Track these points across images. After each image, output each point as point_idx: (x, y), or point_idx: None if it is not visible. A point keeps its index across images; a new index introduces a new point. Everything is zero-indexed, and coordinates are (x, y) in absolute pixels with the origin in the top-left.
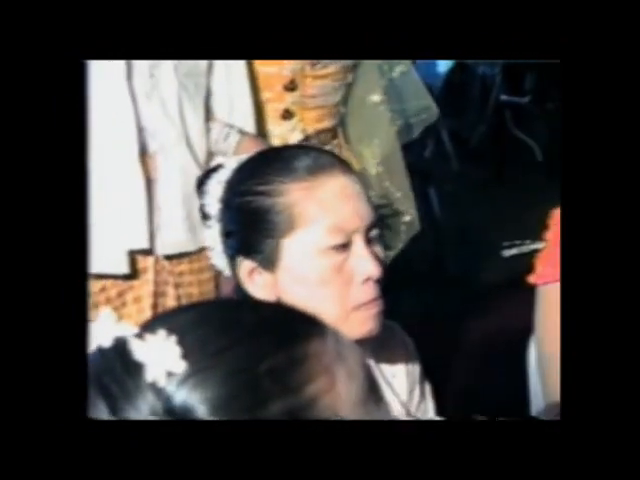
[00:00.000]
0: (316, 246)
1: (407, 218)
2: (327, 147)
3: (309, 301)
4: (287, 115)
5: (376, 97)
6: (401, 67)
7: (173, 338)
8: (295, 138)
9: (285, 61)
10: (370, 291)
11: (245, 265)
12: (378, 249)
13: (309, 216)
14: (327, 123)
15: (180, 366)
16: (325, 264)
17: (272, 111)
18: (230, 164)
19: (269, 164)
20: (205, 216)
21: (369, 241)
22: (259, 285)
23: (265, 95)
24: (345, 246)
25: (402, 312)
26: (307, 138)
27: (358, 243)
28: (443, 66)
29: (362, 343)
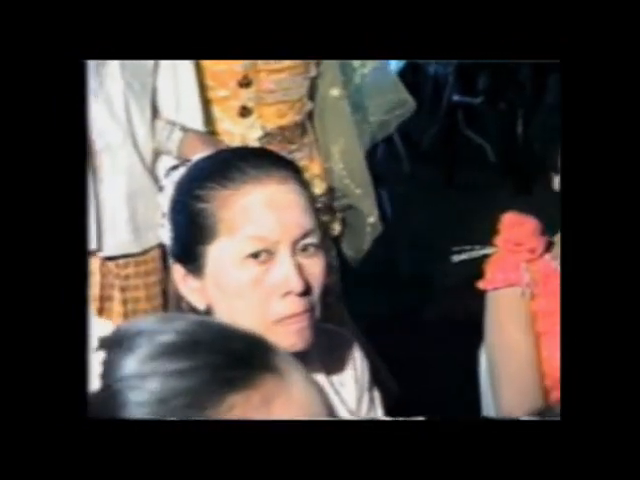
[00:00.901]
0: (236, 255)
1: (371, 219)
2: (295, 145)
3: (230, 311)
4: (244, 112)
5: (336, 92)
6: (373, 62)
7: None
8: (255, 135)
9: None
10: (292, 305)
11: (177, 269)
12: (313, 261)
13: (232, 224)
14: (290, 119)
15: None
16: (244, 275)
17: (230, 109)
18: (185, 165)
19: (207, 168)
20: (162, 214)
21: (298, 253)
22: (191, 290)
23: (221, 93)
24: (267, 257)
25: (355, 315)
26: (267, 135)
27: (282, 255)
28: (394, 66)
29: (310, 352)
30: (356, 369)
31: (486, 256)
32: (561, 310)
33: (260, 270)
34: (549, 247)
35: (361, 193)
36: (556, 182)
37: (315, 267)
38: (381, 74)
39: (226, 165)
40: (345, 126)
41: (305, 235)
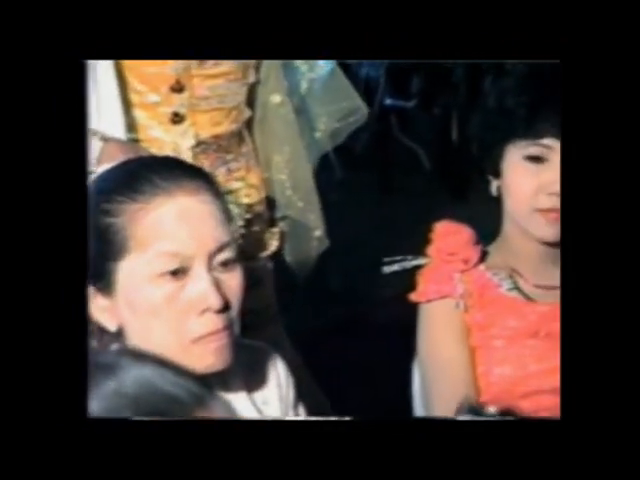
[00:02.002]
0: (148, 272)
1: (317, 233)
2: (232, 154)
3: (143, 332)
4: (176, 119)
5: (278, 98)
6: (322, 67)
7: None
8: (188, 144)
9: (169, 59)
10: (210, 323)
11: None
12: (230, 275)
13: (142, 240)
14: (227, 127)
15: None
16: (158, 292)
17: (161, 115)
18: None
19: (114, 180)
20: None
21: (215, 267)
22: (101, 309)
23: (151, 98)
24: (182, 273)
25: (287, 328)
26: (201, 144)
27: (197, 270)
28: (327, 66)
29: (231, 370)
30: (280, 386)
31: (419, 267)
32: (561, 310)
33: (175, 287)
34: (484, 257)
35: (304, 205)
36: (494, 187)
37: (233, 281)
38: (332, 79)
39: (134, 177)
40: (289, 135)
41: (221, 248)
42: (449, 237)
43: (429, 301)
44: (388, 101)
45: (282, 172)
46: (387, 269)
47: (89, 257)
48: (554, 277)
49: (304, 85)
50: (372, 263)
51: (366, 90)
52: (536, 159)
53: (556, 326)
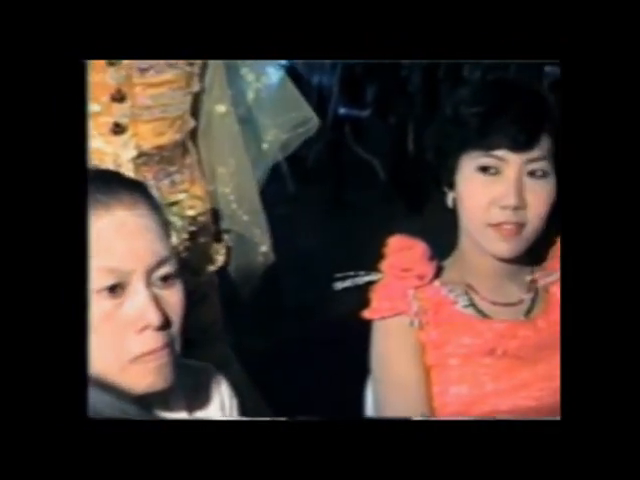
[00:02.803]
0: None
1: (263, 249)
2: (175, 166)
3: None
4: (117, 129)
5: (223, 108)
6: (270, 77)
7: None
8: (129, 155)
9: (110, 68)
10: (150, 341)
11: None
12: (170, 291)
13: None
14: (170, 137)
15: None
16: (95, 309)
17: (101, 126)
18: None
19: None
20: None
21: (154, 283)
22: None
23: (93, 108)
24: (120, 289)
25: (234, 346)
26: (143, 155)
27: (136, 286)
28: (275, 76)
29: (172, 390)
30: (223, 408)
31: (371, 283)
32: (561, 311)
33: (113, 304)
34: (439, 272)
35: (249, 220)
36: (450, 199)
37: (173, 297)
38: (280, 89)
39: None
40: (234, 146)
41: (160, 263)
42: (403, 252)
43: (382, 318)
44: (342, 110)
45: (227, 185)
46: (339, 285)
47: (89, 257)
48: (511, 294)
49: (251, 95)
50: (324, 279)
51: (319, 99)
52: (488, 170)
53: (513, 344)
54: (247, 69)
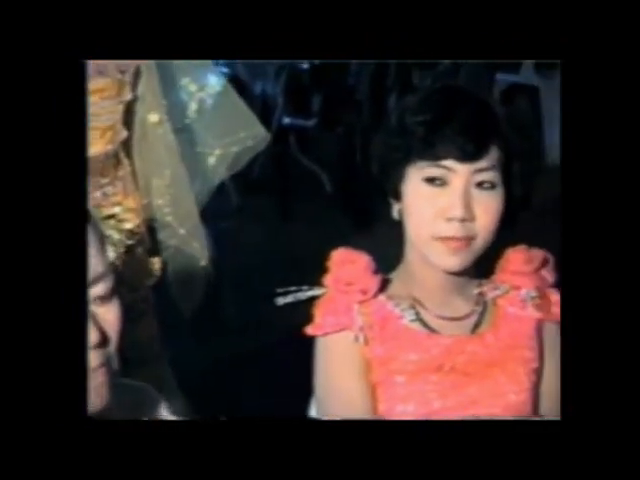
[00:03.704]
0: None
1: (203, 263)
2: (107, 178)
3: None
4: None
5: (156, 117)
6: (214, 87)
7: None
8: None
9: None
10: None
11: None
12: (107, 308)
13: None
14: (101, 148)
15: None
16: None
17: None
18: None
19: None
20: None
21: (90, 300)
22: None
23: None
24: None
25: (173, 365)
26: None
27: None
28: (217, 85)
29: (108, 410)
30: None
31: (315, 298)
32: (561, 311)
33: None
34: (385, 286)
35: (187, 233)
36: (395, 211)
37: (110, 315)
38: (226, 100)
39: None
40: (170, 157)
41: (95, 280)
42: (346, 266)
43: (326, 334)
44: (287, 120)
45: (162, 197)
46: (281, 300)
47: (89, 257)
48: (458, 307)
49: (194, 106)
50: (267, 294)
51: (263, 108)
52: (435, 181)
53: (461, 359)
54: (188, 79)
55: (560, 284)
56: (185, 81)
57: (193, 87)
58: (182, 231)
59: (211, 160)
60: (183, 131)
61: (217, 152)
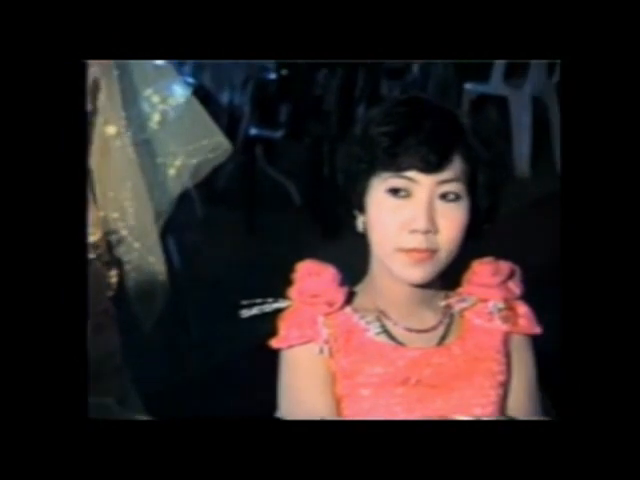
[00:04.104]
0: None
1: (161, 278)
2: None
3: None
4: None
5: (112, 129)
6: (177, 98)
7: None
8: None
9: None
10: None
11: None
12: None
13: None
14: None
15: None
16: None
17: None
18: None
19: None
20: None
21: None
22: None
23: None
24: None
25: (136, 381)
26: None
27: None
28: (180, 95)
29: None
30: None
31: (280, 310)
32: (561, 311)
33: None
34: (351, 298)
35: (142, 248)
36: (360, 223)
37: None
38: (187, 111)
39: None
40: (128, 170)
41: None
42: (311, 278)
43: (291, 347)
44: (253, 131)
45: (118, 210)
46: (245, 313)
47: (89, 258)
48: (424, 320)
49: (156, 117)
50: (232, 307)
51: (229, 119)
52: (398, 193)
53: (427, 372)
54: (151, 90)
55: (561, 283)
56: (148, 92)
57: (156, 98)
58: (137, 245)
59: (172, 171)
60: (145, 143)
61: (177, 163)
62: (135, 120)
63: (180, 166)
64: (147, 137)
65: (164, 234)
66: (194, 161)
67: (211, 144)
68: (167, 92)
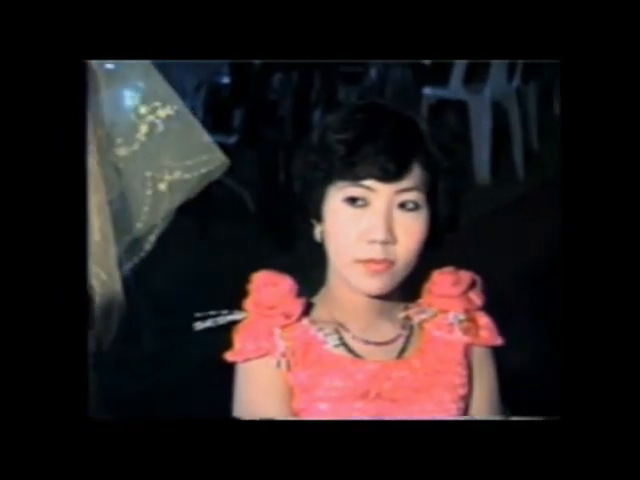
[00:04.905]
0: None
1: (118, 298)
2: None
3: None
4: None
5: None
6: (167, 109)
7: None
8: None
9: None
10: None
11: None
12: None
13: None
14: None
15: None
16: None
17: None
18: None
19: None
20: None
21: None
22: None
23: None
24: None
25: (97, 396)
26: None
27: None
28: (129, 100)
29: None
30: None
31: (235, 322)
32: (562, 311)
33: None
34: (308, 310)
35: (100, 270)
36: (317, 232)
37: None
38: (180, 123)
39: None
40: (91, 187)
41: None
42: (268, 289)
43: (247, 360)
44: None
45: None
46: (199, 326)
47: (89, 259)
48: (384, 332)
49: (144, 129)
50: (186, 320)
51: None
52: (356, 202)
53: (387, 385)
54: (139, 101)
55: (561, 282)
56: (134, 103)
57: (144, 110)
58: (96, 269)
59: (162, 185)
60: (132, 155)
61: (169, 177)
62: (119, 132)
63: (173, 180)
64: (135, 149)
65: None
66: (189, 176)
67: (206, 158)
68: (155, 103)
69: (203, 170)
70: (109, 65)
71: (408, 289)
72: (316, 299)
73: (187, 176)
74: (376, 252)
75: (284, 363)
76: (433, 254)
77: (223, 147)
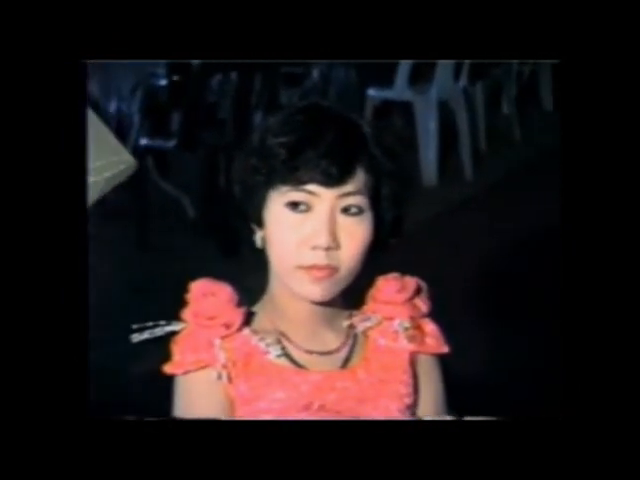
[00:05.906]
0: None
1: None
2: None
3: None
4: None
5: None
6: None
7: None
8: None
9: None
10: None
11: None
12: None
13: None
14: None
15: None
16: None
17: None
18: None
19: None
20: None
21: None
22: None
23: None
24: None
25: None
26: None
27: None
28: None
29: None
30: None
31: (174, 333)
32: (561, 311)
33: None
34: (249, 319)
35: None
36: (258, 238)
37: None
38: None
39: None
40: None
41: None
42: (207, 298)
43: (186, 372)
44: (143, 141)
45: None
46: (136, 337)
47: (89, 258)
48: (327, 341)
49: None
50: (123, 331)
51: (118, 128)
52: (298, 207)
53: (331, 397)
54: None
55: (561, 282)
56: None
57: None
58: None
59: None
60: None
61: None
62: None
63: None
64: None
65: None
66: (100, 178)
67: (119, 160)
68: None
69: (107, 174)
70: None
71: (352, 296)
72: (257, 307)
73: (100, 178)
74: (319, 258)
75: (225, 375)
76: (378, 259)
77: (161, 151)
